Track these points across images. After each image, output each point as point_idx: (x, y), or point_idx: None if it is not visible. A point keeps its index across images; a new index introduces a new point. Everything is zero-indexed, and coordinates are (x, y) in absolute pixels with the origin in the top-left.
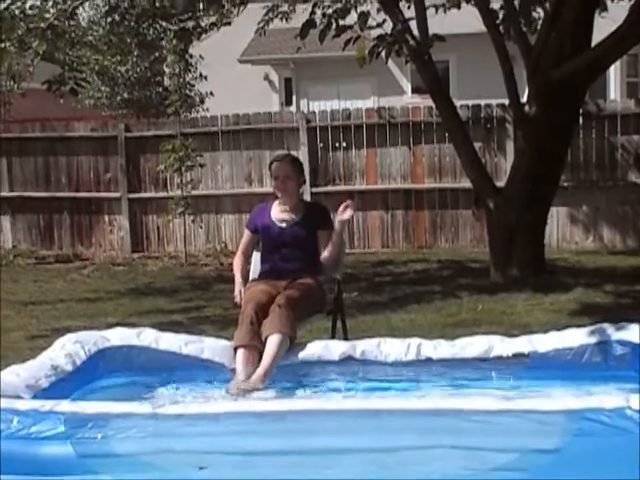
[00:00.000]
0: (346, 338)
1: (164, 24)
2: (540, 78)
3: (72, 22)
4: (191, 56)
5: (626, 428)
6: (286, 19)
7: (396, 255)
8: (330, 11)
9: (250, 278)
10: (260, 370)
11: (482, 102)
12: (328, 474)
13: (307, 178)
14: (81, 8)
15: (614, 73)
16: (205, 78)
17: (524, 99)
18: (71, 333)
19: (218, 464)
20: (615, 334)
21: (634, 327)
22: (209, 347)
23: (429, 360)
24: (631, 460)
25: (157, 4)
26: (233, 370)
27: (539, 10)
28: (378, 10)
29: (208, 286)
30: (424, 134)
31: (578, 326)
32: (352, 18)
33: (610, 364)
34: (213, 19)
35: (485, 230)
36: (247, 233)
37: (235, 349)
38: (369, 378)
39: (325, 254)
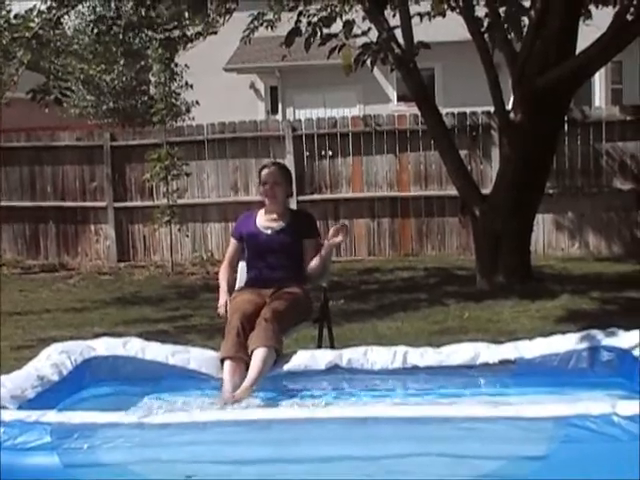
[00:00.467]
0: (332, 346)
1: (150, 33)
2: (525, 85)
3: (57, 31)
4: (177, 65)
5: (613, 435)
6: (271, 27)
7: (382, 263)
8: (315, 19)
9: (236, 287)
10: (246, 383)
11: (467, 110)
12: None
13: (293, 186)
14: (66, 17)
15: (599, 80)
16: (191, 87)
17: (509, 106)
18: (57, 343)
19: (205, 473)
20: (601, 340)
21: (620, 333)
22: (195, 357)
23: (415, 368)
24: (617, 466)
25: (143, 14)
26: (220, 380)
27: (524, 18)
28: (363, 18)
29: (194, 295)
30: (410, 142)
31: (564, 332)
32: (337, 26)
33: (596, 370)
34: (199, 28)
35: (471, 237)
36: (233, 241)
37: (222, 361)
38: (356, 386)
39: (311, 266)
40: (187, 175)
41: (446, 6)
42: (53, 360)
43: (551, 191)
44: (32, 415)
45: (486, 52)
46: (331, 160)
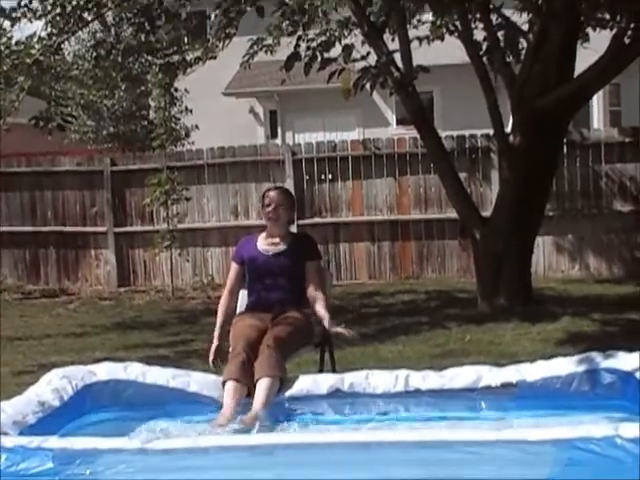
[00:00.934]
0: (334, 370)
1: (149, 58)
2: (524, 108)
3: (57, 57)
4: (176, 89)
5: (616, 457)
6: (271, 52)
7: (383, 286)
8: (315, 44)
9: (237, 311)
10: (252, 413)
11: (467, 132)
12: None
13: None
14: (66, 43)
15: (597, 102)
16: (190, 111)
17: (508, 129)
18: (58, 368)
19: None
20: (603, 362)
21: (622, 355)
22: (196, 381)
23: (418, 391)
24: None
25: (143, 39)
26: (221, 404)
27: (522, 40)
28: (362, 43)
29: (195, 320)
30: (409, 165)
31: (566, 355)
32: (336, 51)
33: (598, 392)
34: (198, 53)
35: (472, 260)
36: (234, 266)
37: (224, 383)
38: (358, 411)
39: (313, 304)
40: (187, 200)
41: (445, 30)
42: (54, 385)
43: (551, 213)
44: (34, 441)
45: (485, 75)
46: (331, 184)
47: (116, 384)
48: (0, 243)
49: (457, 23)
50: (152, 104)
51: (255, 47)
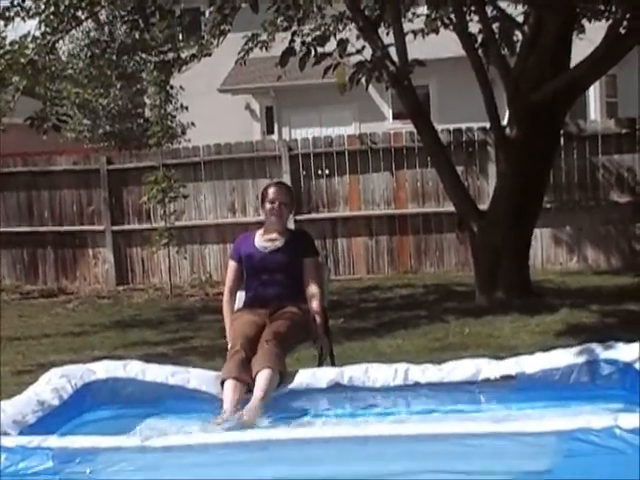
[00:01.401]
0: (333, 365)
1: (144, 56)
2: (520, 100)
3: (52, 56)
4: (172, 87)
5: (615, 448)
6: (266, 48)
7: (381, 280)
8: (309, 39)
9: (235, 308)
10: (251, 405)
11: (463, 126)
12: None
13: None
14: (60, 42)
15: (593, 94)
16: (186, 109)
17: (505, 122)
18: (57, 367)
19: None
20: (602, 353)
21: (620, 346)
22: (196, 377)
23: (417, 385)
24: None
25: (137, 37)
26: (220, 401)
27: (517, 33)
28: (357, 37)
29: (194, 317)
30: (406, 159)
31: (565, 347)
32: (331, 45)
33: (597, 383)
34: (193, 50)
35: (469, 253)
36: (232, 264)
37: (222, 382)
38: (357, 404)
39: (311, 303)
40: (184, 197)
41: (439, 23)
42: (53, 384)
43: (549, 205)
44: (34, 440)
45: (480, 68)
46: (328, 179)
47: (115, 382)
48: None
49: (452, 16)
50: (148, 102)
51: (250, 43)
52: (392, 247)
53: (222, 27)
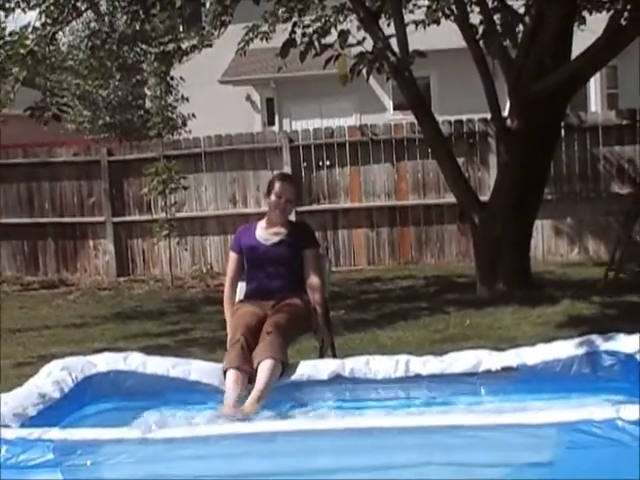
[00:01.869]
0: (334, 356)
1: (144, 47)
2: (521, 92)
3: (52, 47)
4: (172, 78)
5: (617, 439)
6: (266, 39)
7: (382, 272)
8: (310, 30)
9: (236, 299)
10: (253, 396)
11: (464, 117)
12: None
13: None
14: (60, 33)
15: (594, 85)
16: (187, 100)
17: (506, 113)
18: (58, 359)
19: None
20: (603, 345)
21: (622, 337)
22: (197, 369)
23: (418, 376)
24: (622, 470)
25: (137, 28)
26: (223, 392)
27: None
28: (358, 28)
29: (195, 308)
30: (407, 150)
31: (566, 338)
32: (332, 37)
33: (599, 375)
34: (194, 41)
35: (470, 245)
36: (233, 255)
37: (225, 372)
38: (359, 396)
39: (312, 296)
40: (185, 188)
41: (440, 14)
42: (54, 377)
43: (550, 197)
44: (34, 433)
45: (481, 59)
46: (329, 170)
47: (116, 375)
48: None
49: (453, 7)
50: (148, 93)
51: (251, 34)
52: (393, 238)
53: (223, 18)
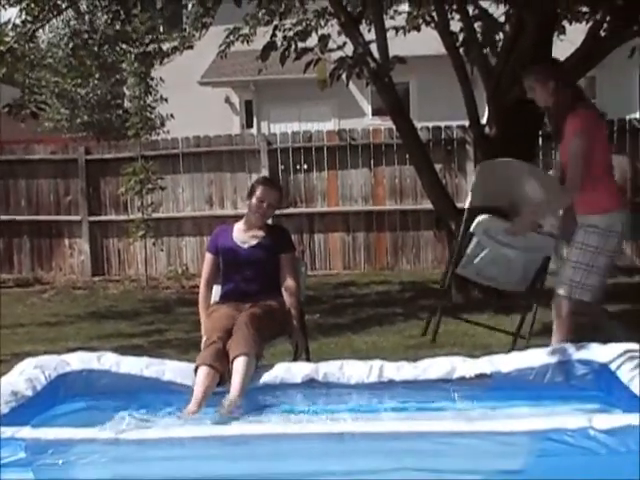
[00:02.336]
0: (308, 360)
1: (125, 47)
2: (500, 99)
3: (31, 45)
4: (152, 78)
5: (589, 448)
6: (247, 41)
7: (358, 277)
8: (291, 34)
9: (212, 301)
10: (233, 393)
11: (442, 124)
12: None
13: None
14: (40, 31)
15: None
16: (166, 100)
17: (484, 120)
18: (31, 358)
19: None
20: (576, 354)
21: (595, 346)
22: (171, 370)
23: (392, 382)
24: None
25: (118, 28)
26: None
27: (499, 33)
28: (339, 33)
29: (169, 309)
30: (385, 156)
31: (540, 346)
32: (313, 41)
33: (572, 384)
34: (175, 43)
35: (447, 251)
36: (208, 257)
37: (196, 369)
38: (332, 401)
39: (287, 299)
40: (162, 189)
41: (421, 20)
42: (27, 375)
43: None
44: (6, 431)
45: (461, 66)
46: (306, 174)
47: (90, 374)
48: None
49: (434, 14)
50: (127, 93)
51: (231, 36)
52: (369, 243)
53: (204, 20)
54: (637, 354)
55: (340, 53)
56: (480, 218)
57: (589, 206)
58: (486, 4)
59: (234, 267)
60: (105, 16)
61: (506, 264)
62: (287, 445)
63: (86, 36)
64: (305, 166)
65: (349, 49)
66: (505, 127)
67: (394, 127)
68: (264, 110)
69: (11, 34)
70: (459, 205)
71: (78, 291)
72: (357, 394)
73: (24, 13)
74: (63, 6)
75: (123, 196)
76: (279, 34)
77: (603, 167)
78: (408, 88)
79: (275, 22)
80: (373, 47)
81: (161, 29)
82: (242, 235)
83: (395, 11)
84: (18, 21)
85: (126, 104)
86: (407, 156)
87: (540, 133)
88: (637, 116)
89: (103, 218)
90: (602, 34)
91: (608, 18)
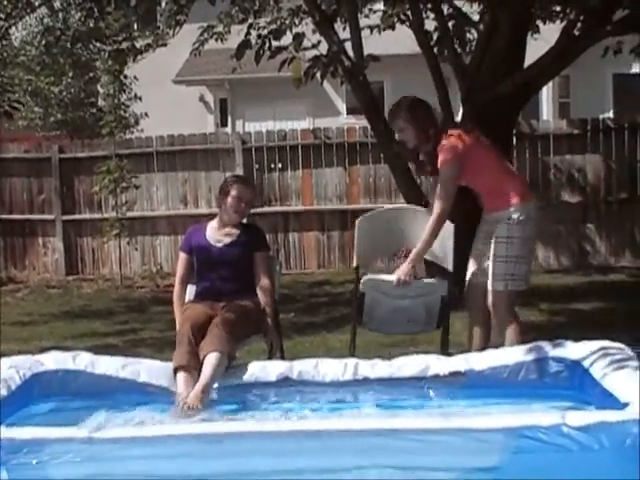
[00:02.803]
0: (283, 359)
1: (99, 45)
2: (474, 99)
3: (4, 42)
4: (126, 77)
5: (563, 445)
6: (221, 40)
7: (332, 275)
8: (265, 32)
9: (186, 300)
10: (198, 388)
11: None
12: None
13: None
14: (13, 28)
15: (546, 94)
16: (140, 99)
17: (459, 119)
18: (5, 357)
19: None
20: (550, 351)
21: (569, 344)
22: (146, 369)
23: (366, 380)
24: (567, 476)
25: (92, 25)
26: (173, 392)
27: (473, 32)
28: (313, 31)
29: (144, 308)
30: (359, 155)
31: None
32: (287, 39)
33: (546, 381)
34: (148, 40)
35: None
36: (182, 256)
37: (175, 371)
38: (307, 399)
39: (261, 298)
40: (136, 188)
41: (396, 19)
42: (1, 375)
43: None
44: None
45: (435, 65)
46: (281, 173)
47: (64, 374)
48: None
49: (408, 12)
50: (101, 91)
51: (206, 35)
52: (344, 242)
53: (178, 17)
54: (610, 351)
55: (315, 52)
56: (365, 278)
57: (503, 203)
58: (460, 3)
59: (208, 266)
60: (79, 13)
61: (406, 313)
62: (262, 443)
63: (59, 34)
64: (280, 165)
65: (324, 47)
66: (479, 126)
67: (369, 126)
68: (239, 109)
69: None
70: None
71: (52, 290)
72: (332, 392)
73: None
74: (36, 3)
75: (97, 195)
76: (253, 32)
77: (502, 171)
78: (383, 87)
79: (249, 20)
80: (348, 46)
81: (135, 26)
82: (216, 234)
83: (370, 9)
84: None
85: (100, 102)
86: (381, 155)
87: (514, 132)
88: (610, 115)
89: (77, 217)
90: (576, 33)
91: (582, 17)
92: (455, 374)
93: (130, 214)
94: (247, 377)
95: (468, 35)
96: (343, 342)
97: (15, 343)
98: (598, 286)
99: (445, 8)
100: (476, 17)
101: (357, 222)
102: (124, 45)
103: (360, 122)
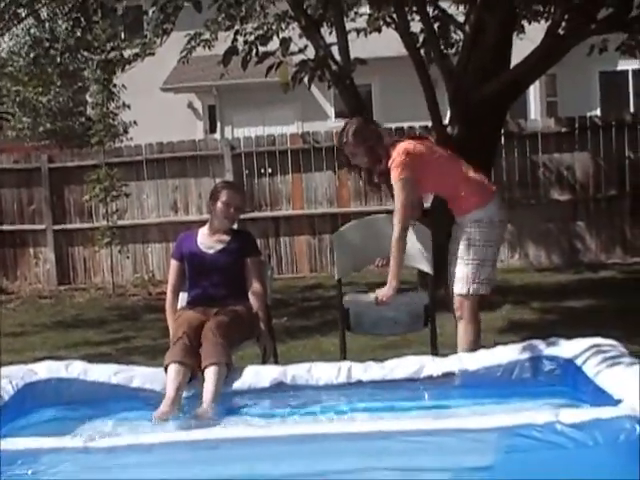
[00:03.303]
0: (277, 363)
1: (87, 54)
2: (461, 99)
3: None
4: (114, 85)
5: (557, 443)
6: (209, 47)
7: (324, 279)
8: (252, 38)
9: (178, 307)
10: (205, 404)
11: (405, 125)
12: None
13: None
14: (0, 39)
15: (534, 93)
16: (128, 107)
17: (446, 121)
18: None
19: None
20: (543, 350)
21: (562, 342)
22: (139, 376)
23: (360, 382)
24: (562, 474)
25: (79, 35)
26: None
27: (458, 32)
28: (300, 36)
29: (136, 316)
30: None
31: (507, 343)
32: (274, 44)
33: (539, 380)
34: (136, 49)
35: None
36: (174, 263)
37: (166, 367)
38: (301, 403)
39: (254, 304)
40: (127, 196)
41: (382, 22)
42: None
43: None
44: None
45: (422, 67)
46: (270, 178)
47: (58, 383)
48: None
49: (394, 15)
50: (90, 100)
51: (193, 42)
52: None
53: (165, 26)
54: (602, 348)
55: (302, 56)
56: (347, 297)
57: (465, 207)
58: (445, 4)
59: (200, 273)
60: (66, 24)
61: (391, 320)
62: (257, 449)
63: (47, 44)
64: (269, 170)
65: (310, 52)
66: (467, 127)
67: None
68: (227, 115)
69: None
70: (424, 205)
71: (44, 300)
72: (326, 396)
73: None
74: (23, 14)
75: (87, 204)
76: (240, 39)
77: (459, 175)
78: (370, 90)
79: (236, 27)
80: (334, 50)
81: (122, 36)
82: (207, 240)
83: (356, 13)
84: None
85: (89, 111)
86: None
87: (502, 132)
88: (598, 113)
89: (68, 226)
90: (561, 33)
91: (566, 17)
92: (449, 375)
93: (121, 222)
94: (241, 383)
95: (454, 36)
96: (336, 345)
97: (8, 354)
98: (589, 283)
99: (430, 10)
100: (461, 18)
101: (333, 237)
102: (112, 55)
103: None
